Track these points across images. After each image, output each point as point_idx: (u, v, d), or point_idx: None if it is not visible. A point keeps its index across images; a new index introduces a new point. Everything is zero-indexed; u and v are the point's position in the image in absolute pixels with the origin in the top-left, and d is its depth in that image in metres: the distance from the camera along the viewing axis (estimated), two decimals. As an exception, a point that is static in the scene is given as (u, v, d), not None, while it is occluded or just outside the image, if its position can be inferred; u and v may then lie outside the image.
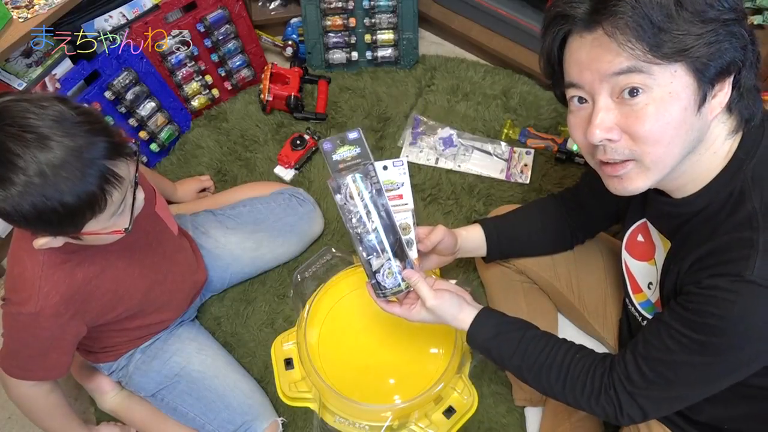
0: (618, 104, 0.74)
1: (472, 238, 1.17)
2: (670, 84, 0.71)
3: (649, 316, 0.99)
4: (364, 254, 0.98)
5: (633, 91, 0.72)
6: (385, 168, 1.03)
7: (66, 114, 0.83)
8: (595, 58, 0.73)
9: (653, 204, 0.91)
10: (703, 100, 0.73)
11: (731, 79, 0.73)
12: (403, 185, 1.03)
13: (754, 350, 0.76)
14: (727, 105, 0.75)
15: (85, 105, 0.89)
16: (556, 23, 0.77)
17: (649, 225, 0.97)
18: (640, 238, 0.99)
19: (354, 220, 0.96)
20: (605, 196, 0.85)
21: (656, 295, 0.96)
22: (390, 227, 0.98)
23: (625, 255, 1.03)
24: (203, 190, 1.64)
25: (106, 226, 0.92)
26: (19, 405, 1.18)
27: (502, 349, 0.97)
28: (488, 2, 1.78)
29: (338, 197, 0.97)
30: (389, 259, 0.98)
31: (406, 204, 1.03)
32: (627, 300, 1.05)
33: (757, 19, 1.60)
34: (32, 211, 0.82)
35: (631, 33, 0.69)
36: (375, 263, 0.98)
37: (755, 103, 0.77)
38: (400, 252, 0.99)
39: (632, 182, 0.78)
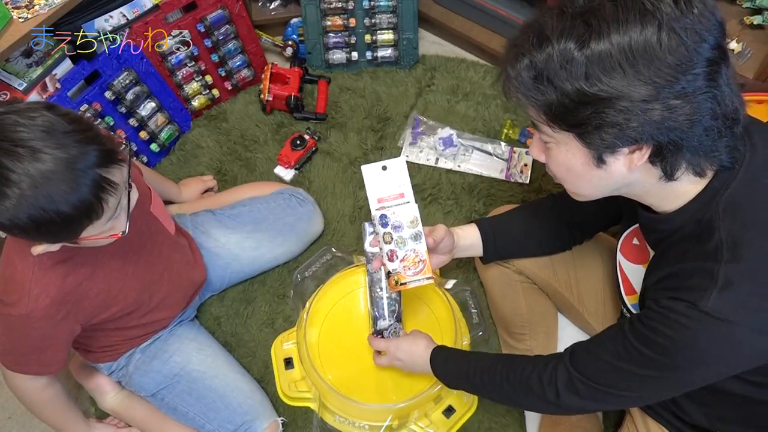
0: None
1: (468, 237, 1.17)
2: (566, 143, 0.76)
3: None
4: (376, 313, 1.18)
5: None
6: (384, 168, 1.05)
7: (56, 124, 0.83)
8: None
9: (638, 214, 0.91)
10: (601, 161, 0.75)
11: (647, 147, 0.71)
12: (403, 184, 1.05)
13: (696, 374, 0.79)
14: (649, 161, 0.73)
15: (74, 112, 0.89)
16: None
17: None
18: (635, 241, 1.00)
19: (378, 287, 1.15)
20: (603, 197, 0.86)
21: None
22: (400, 298, 1.19)
23: (619, 257, 1.03)
24: (207, 190, 1.64)
25: (103, 230, 0.92)
26: (16, 396, 1.18)
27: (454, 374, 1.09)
28: (488, 2, 1.78)
29: (370, 266, 1.16)
30: (397, 321, 1.20)
31: (408, 202, 1.05)
32: (620, 300, 1.05)
33: (756, 19, 1.60)
34: (29, 222, 0.83)
35: (522, 100, 0.74)
36: (383, 323, 1.19)
37: (711, 156, 0.73)
38: (399, 315, 1.20)
39: (574, 195, 0.86)
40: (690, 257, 0.77)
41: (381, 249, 1.06)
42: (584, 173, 0.77)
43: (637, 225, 0.98)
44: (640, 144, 0.71)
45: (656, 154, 0.72)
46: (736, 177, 0.76)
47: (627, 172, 0.75)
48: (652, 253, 0.94)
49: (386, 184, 1.06)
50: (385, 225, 1.04)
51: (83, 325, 1.10)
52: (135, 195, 0.97)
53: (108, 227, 0.93)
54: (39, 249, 0.92)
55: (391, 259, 1.04)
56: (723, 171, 0.76)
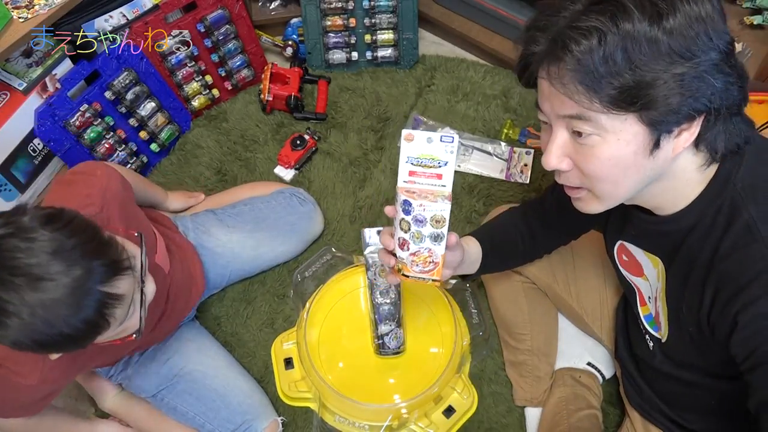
0: (574, 137, 0.74)
1: (473, 253, 1.07)
2: (620, 131, 0.70)
3: (652, 330, 0.98)
4: (377, 318, 1.19)
5: (582, 133, 0.72)
6: (429, 140, 0.87)
7: (59, 243, 0.80)
8: (549, 95, 0.73)
9: (636, 223, 0.89)
10: (656, 145, 0.71)
11: (700, 119, 0.70)
12: (446, 165, 0.87)
13: None
14: (694, 143, 0.73)
15: (73, 213, 0.85)
16: (522, 58, 0.76)
17: (627, 245, 0.95)
18: (624, 257, 0.99)
19: (378, 293, 1.12)
20: (571, 215, 0.85)
21: (655, 310, 0.95)
22: (400, 303, 1.19)
23: (624, 272, 1.01)
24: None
25: (117, 333, 0.91)
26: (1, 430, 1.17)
27: None
28: (488, 2, 1.78)
29: (369, 273, 1.16)
30: (398, 326, 1.19)
31: (443, 186, 0.88)
32: (636, 311, 1.03)
33: (756, 19, 1.60)
34: (33, 344, 0.82)
35: (578, 83, 0.68)
36: (384, 328, 1.18)
37: (735, 133, 0.74)
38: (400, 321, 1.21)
39: (588, 205, 0.80)
40: (725, 248, 0.75)
41: (395, 226, 0.90)
42: (633, 164, 0.72)
43: (618, 244, 0.98)
44: (699, 116, 0.70)
45: (704, 132, 0.71)
46: (744, 157, 0.76)
47: (670, 160, 0.73)
48: (646, 264, 0.92)
49: (426, 158, 0.88)
50: (407, 212, 0.86)
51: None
52: (151, 287, 0.94)
53: (120, 329, 0.91)
54: (54, 356, 0.91)
55: (401, 247, 0.89)
56: (730, 155, 0.76)
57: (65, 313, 0.80)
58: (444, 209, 0.85)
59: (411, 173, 0.88)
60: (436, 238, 0.87)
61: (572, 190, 0.81)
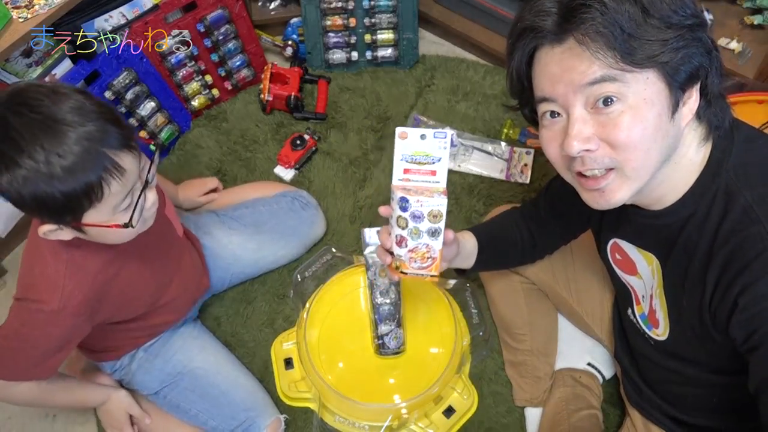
0: (593, 114, 0.73)
1: (467, 246, 1.08)
2: (644, 90, 0.71)
3: (645, 329, 0.98)
4: (377, 318, 1.21)
5: (608, 100, 0.71)
6: (422, 137, 0.88)
7: (84, 103, 0.84)
8: (567, 69, 0.72)
9: (630, 220, 0.89)
10: (675, 106, 0.73)
11: (698, 86, 0.74)
12: (440, 161, 0.89)
13: None
14: (697, 112, 0.76)
15: (100, 99, 0.90)
16: (524, 37, 0.76)
17: (621, 243, 0.96)
18: (617, 256, 0.99)
19: (378, 293, 1.11)
20: (564, 216, 0.85)
21: (649, 308, 0.95)
22: (400, 303, 1.20)
23: (618, 272, 1.02)
24: (213, 190, 1.61)
25: (109, 219, 0.91)
26: (13, 403, 1.16)
27: None
28: (488, 2, 1.78)
29: (369, 273, 1.17)
30: (398, 326, 1.21)
31: (438, 183, 0.90)
32: (630, 311, 1.03)
33: (757, 19, 1.60)
34: (32, 200, 0.83)
35: (602, 41, 0.69)
36: (384, 328, 1.20)
37: (723, 110, 0.78)
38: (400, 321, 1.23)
39: (614, 194, 0.77)
40: (724, 233, 0.75)
41: (391, 225, 0.91)
42: (659, 127, 0.72)
43: (611, 242, 0.98)
44: (697, 82, 0.74)
45: (703, 99, 0.75)
46: (733, 144, 0.78)
47: (682, 130, 0.76)
48: (639, 261, 0.92)
49: (420, 155, 0.89)
50: (404, 209, 0.87)
51: (93, 327, 1.09)
52: (153, 196, 0.96)
53: (114, 217, 0.91)
54: (44, 229, 0.90)
55: (399, 245, 0.90)
56: (719, 140, 0.78)
57: (71, 164, 0.82)
58: (441, 204, 0.86)
59: (406, 171, 0.89)
60: (434, 233, 0.88)
61: (597, 180, 0.77)
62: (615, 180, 0.76)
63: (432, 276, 0.91)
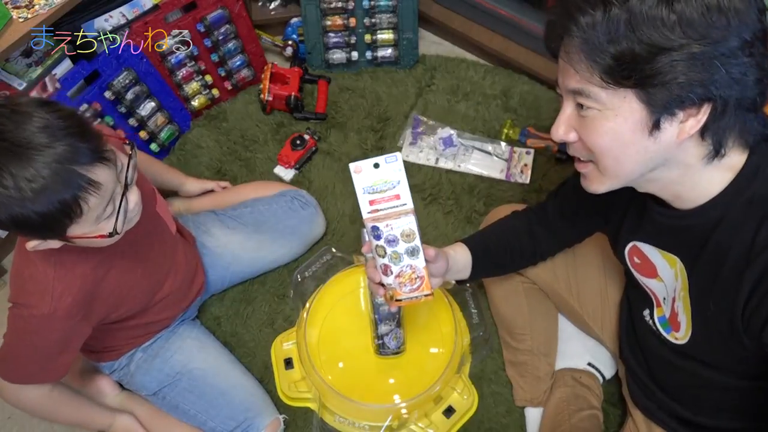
0: (578, 110, 0.77)
1: (460, 260, 1.09)
2: (618, 107, 0.72)
3: (664, 332, 0.97)
4: (377, 318, 1.22)
5: (583, 106, 0.75)
6: (376, 166, 0.89)
7: (49, 120, 0.82)
8: (562, 70, 0.77)
9: (655, 218, 0.88)
10: (656, 126, 0.72)
11: (707, 107, 0.70)
12: (399, 183, 0.89)
13: None
14: (700, 132, 0.72)
15: (66, 107, 0.87)
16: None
17: (641, 245, 0.95)
18: (636, 260, 0.98)
19: (377, 294, 1.08)
20: (573, 219, 0.86)
21: (671, 311, 0.94)
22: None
23: (637, 275, 1.00)
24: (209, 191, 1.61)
25: (93, 230, 0.91)
26: (22, 408, 1.17)
27: None
28: (488, 2, 1.78)
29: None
30: (398, 326, 1.23)
31: (404, 205, 0.90)
32: (647, 313, 1.02)
33: (757, 19, 1.59)
34: (10, 221, 0.83)
35: (582, 56, 0.71)
36: (384, 328, 1.22)
37: (751, 132, 0.74)
38: (400, 321, 1.24)
39: (591, 183, 0.83)
40: (762, 240, 0.74)
41: (374, 258, 0.94)
42: (632, 142, 0.73)
43: (630, 245, 0.97)
44: (702, 104, 0.69)
45: (711, 121, 0.71)
46: None
47: (675, 145, 0.74)
48: (661, 264, 0.91)
49: (379, 183, 0.90)
50: (377, 237, 0.90)
51: (92, 326, 1.09)
52: (134, 197, 0.95)
53: (98, 227, 0.91)
54: (31, 244, 0.90)
55: (385, 273, 0.93)
56: (759, 146, 0.76)
57: (42, 187, 0.80)
58: (410, 222, 0.89)
59: (371, 202, 0.91)
60: (413, 252, 0.91)
61: (580, 164, 0.83)
62: (593, 171, 0.81)
63: (426, 296, 0.93)
